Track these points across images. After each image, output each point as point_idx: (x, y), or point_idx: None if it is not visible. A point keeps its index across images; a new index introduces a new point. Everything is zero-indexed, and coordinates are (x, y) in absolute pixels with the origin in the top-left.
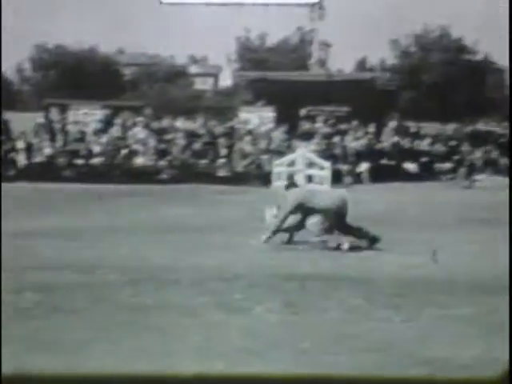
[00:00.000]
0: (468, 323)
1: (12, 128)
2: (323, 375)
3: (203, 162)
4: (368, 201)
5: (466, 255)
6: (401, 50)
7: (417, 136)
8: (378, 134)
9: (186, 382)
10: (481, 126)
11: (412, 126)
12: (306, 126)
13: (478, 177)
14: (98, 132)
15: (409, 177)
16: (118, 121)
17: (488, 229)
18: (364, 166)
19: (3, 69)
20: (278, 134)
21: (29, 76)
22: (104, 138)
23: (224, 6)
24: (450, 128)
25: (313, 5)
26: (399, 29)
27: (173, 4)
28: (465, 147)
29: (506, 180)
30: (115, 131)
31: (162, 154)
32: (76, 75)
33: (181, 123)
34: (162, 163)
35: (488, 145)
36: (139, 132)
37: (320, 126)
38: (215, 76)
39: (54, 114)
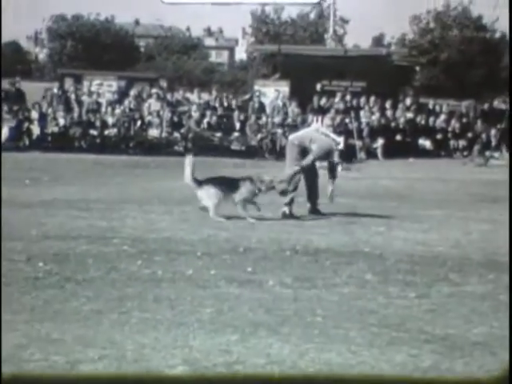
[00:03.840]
0: (479, 300)
1: (26, 98)
2: (323, 375)
3: (217, 134)
4: (381, 177)
5: (477, 233)
6: (420, 27)
7: (432, 112)
8: (393, 109)
9: (186, 382)
10: (496, 104)
11: (428, 102)
12: (320, 100)
13: (492, 154)
14: (113, 103)
15: (423, 153)
16: (133, 92)
17: (501, 207)
18: (379, 142)
19: (18, 37)
20: (293, 108)
21: (45, 46)
22: (118, 110)
23: None
24: (465, 105)
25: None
26: (420, 5)
27: None
28: (479, 125)
29: None
30: (130, 102)
31: (176, 126)
32: (92, 46)
33: (196, 96)
34: (176, 135)
35: (502, 123)
36: (153, 104)
37: (335, 100)
38: (231, 49)
39: (69, 84)
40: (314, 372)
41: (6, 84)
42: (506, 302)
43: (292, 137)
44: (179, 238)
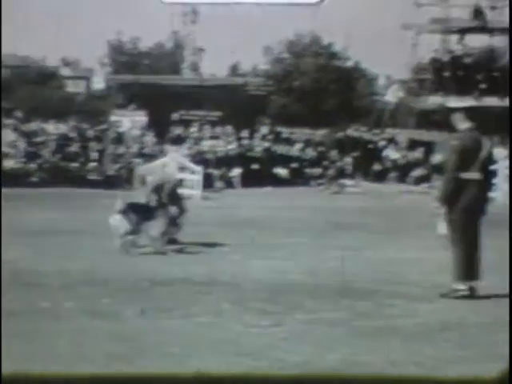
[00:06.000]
0: (335, 327)
1: None
2: (323, 375)
3: (74, 165)
4: (239, 205)
5: (333, 260)
6: (273, 56)
7: (288, 141)
8: (249, 139)
9: (185, 382)
10: (350, 132)
11: (283, 131)
12: (177, 130)
13: (347, 182)
14: None
15: (280, 182)
16: None
17: (357, 233)
18: (235, 171)
19: None
20: (150, 138)
21: None
22: None
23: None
24: (320, 134)
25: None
26: (272, 35)
27: None
28: (334, 153)
29: (377, 185)
30: None
31: (32, 156)
32: None
33: (52, 126)
34: (32, 166)
35: (357, 151)
36: (8, 134)
37: (192, 130)
38: (87, 79)
39: None
40: (312, 372)
41: None
42: (360, 328)
43: (141, 168)
44: (33, 270)
